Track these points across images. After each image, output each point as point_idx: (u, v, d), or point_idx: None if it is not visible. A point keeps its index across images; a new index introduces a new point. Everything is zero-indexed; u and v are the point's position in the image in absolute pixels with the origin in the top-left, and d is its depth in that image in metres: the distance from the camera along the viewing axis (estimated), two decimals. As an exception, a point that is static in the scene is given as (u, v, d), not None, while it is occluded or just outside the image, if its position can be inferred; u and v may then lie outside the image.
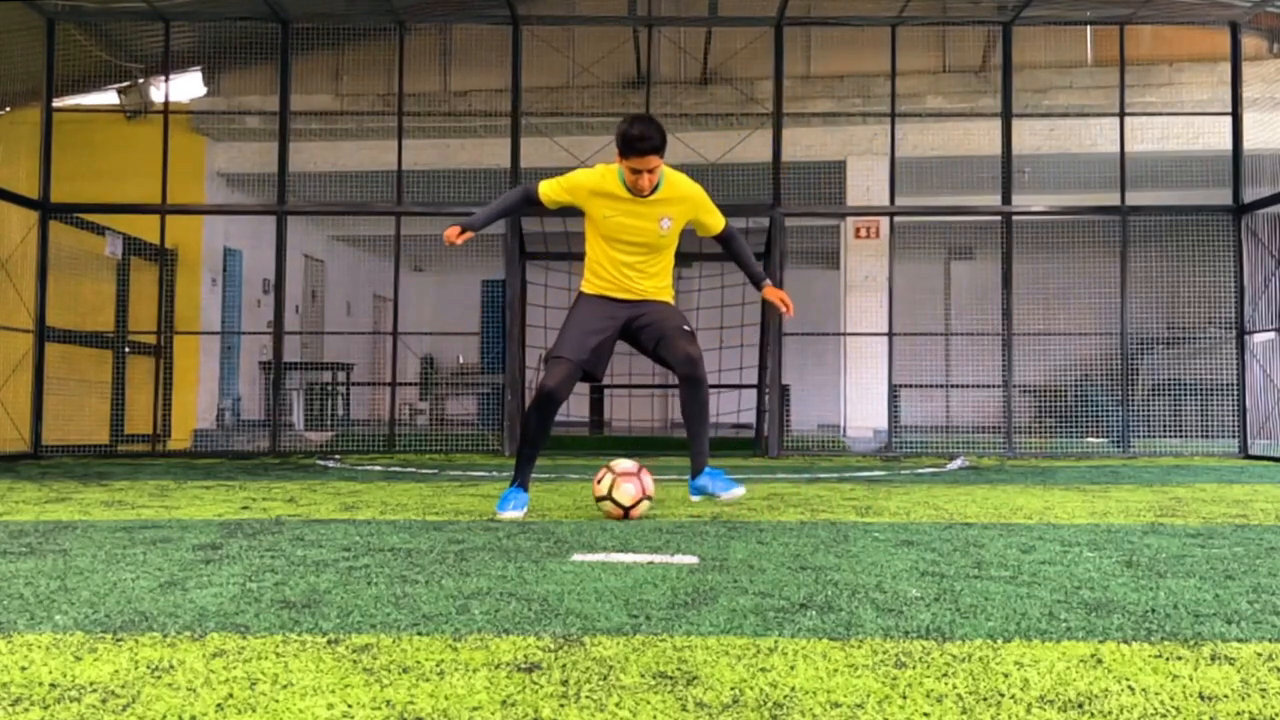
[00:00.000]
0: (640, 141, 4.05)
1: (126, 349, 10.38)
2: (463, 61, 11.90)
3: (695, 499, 4.47)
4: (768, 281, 4.64)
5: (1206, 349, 10.45)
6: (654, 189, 4.21)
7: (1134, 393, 10.10)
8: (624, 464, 4.24)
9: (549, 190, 4.34)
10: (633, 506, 4.14)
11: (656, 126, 4.11)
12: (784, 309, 4.49)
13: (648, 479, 4.21)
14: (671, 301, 4.48)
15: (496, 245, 11.16)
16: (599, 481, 4.23)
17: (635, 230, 4.27)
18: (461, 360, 15.41)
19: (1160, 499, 5.22)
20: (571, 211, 4.42)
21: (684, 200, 4.32)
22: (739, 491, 4.28)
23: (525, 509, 4.32)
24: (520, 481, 4.37)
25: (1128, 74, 10.05)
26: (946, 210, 11.42)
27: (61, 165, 9.65)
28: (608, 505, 4.17)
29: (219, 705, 1.66)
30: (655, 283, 4.41)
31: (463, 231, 4.25)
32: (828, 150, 11.94)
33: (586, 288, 4.43)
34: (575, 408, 13.95)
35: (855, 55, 11.42)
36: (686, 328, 4.36)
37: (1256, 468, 8.09)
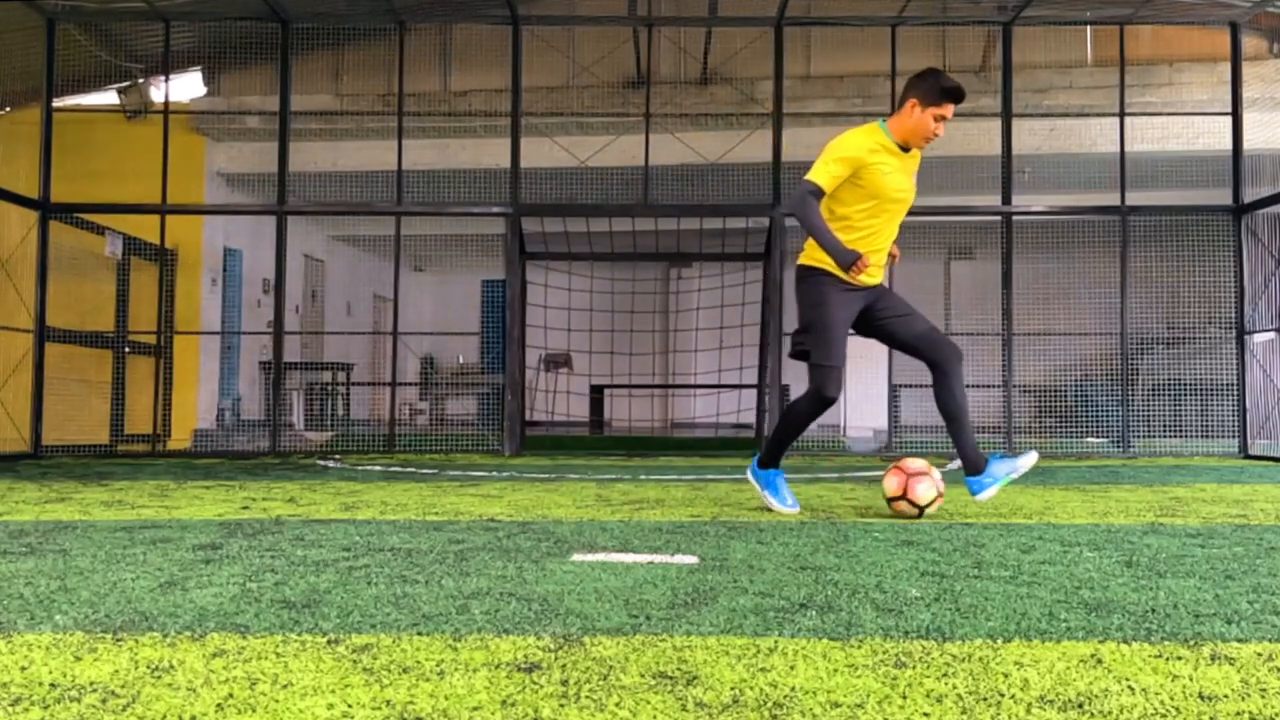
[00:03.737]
0: (957, 92, 4.12)
1: (126, 349, 10.37)
2: (463, 61, 11.90)
3: (981, 498, 4.33)
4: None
5: (1206, 349, 10.43)
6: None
7: (1134, 393, 10.09)
8: (915, 463, 4.25)
9: (825, 180, 4.18)
10: (928, 505, 4.16)
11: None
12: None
13: (938, 476, 4.24)
14: None
15: (496, 245, 11.15)
16: (891, 481, 4.22)
17: (903, 186, 4.30)
18: (461, 360, 15.41)
19: (1160, 499, 5.22)
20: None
21: (917, 158, 4.39)
22: (998, 487, 4.28)
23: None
24: (779, 465, 4.51)
25: (1128, 74, 10.05)
26: (946, 210, 11.41)
27: (61, 165, 9.64)
28: (902, 505, 4.19)
29: (219, 705, 1.66)
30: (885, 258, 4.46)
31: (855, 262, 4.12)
32: (828, 150, 11.91)
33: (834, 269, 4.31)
34: (575, 407, 13.97)
35: (855, 55, 11.42)
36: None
37: (1256, 468, 8.08)
